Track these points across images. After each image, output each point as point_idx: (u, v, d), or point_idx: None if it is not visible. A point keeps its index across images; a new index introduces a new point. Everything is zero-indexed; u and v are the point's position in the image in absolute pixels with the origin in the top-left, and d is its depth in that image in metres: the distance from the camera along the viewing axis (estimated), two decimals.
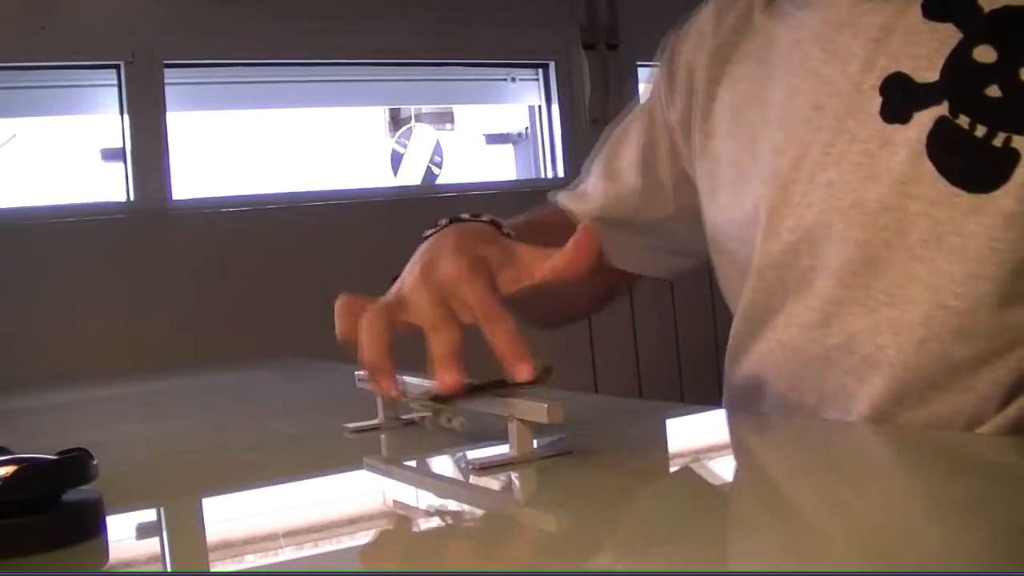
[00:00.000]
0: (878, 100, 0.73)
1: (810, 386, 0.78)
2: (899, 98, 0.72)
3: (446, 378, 0.62)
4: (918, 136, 0.70)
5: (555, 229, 0.94)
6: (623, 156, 0.99)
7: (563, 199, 1.03)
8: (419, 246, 0.75)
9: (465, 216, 0.79)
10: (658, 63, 0.97)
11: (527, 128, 2.65)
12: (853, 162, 0.74)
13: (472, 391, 0.64)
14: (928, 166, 0.70)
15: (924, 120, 0.70)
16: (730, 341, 0.87)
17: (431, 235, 0.77)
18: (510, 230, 0.79)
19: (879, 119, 0.72)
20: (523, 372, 0.62)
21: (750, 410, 0.84)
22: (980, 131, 0.68)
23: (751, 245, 0.81)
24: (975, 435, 0.69)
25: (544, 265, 0.67)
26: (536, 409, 0.60)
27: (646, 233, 0.99)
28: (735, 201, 0.84)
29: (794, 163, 0.77)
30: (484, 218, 0.79)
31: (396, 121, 2.76)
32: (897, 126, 0.71)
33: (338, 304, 0.73)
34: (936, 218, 0.69)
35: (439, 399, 0.64)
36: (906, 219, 0.71)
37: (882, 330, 0.72)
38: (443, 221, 0.78)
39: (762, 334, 0.82)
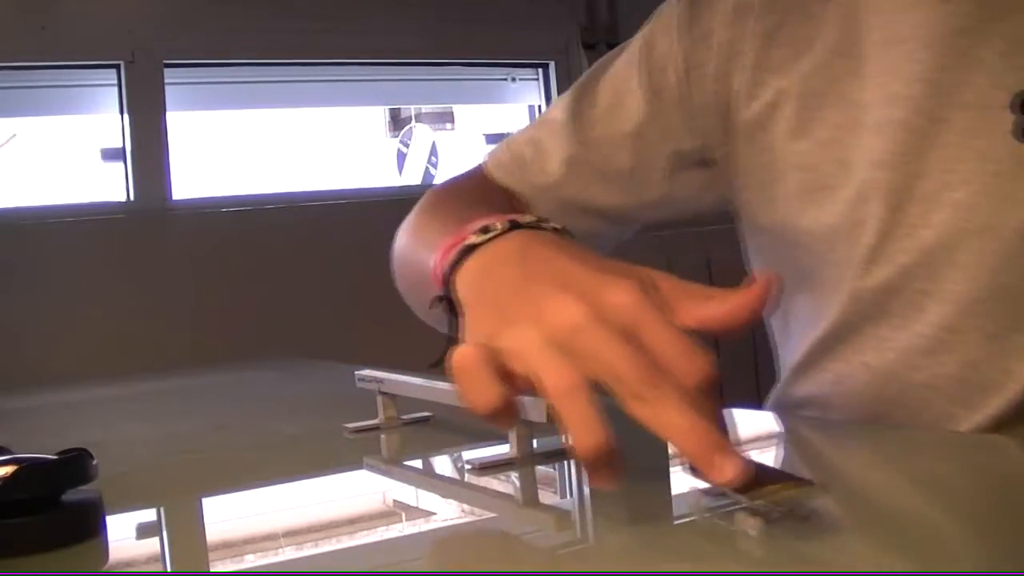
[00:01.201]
0: (1010, 119, 0.67)
1: (903, 413, 0.73)
2: None
3: (734, 463, 0.44)
4: None
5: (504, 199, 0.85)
6: (609, 125, 0.85)
7: (499, 171, 0.89)
8: (480, 256, 0.57)
9: (528, 219, 0.59)
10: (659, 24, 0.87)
11: None
12: (984, 183, 0.68)
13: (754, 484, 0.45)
14: None
15: None
16: (799, 356, 0.80)
17: (487, 242, 0.57)
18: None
19: (1012, 139, 0.67)
20: (724, 471, 0.44)
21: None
22: None
23: (834, 261, 0.74)
24: None
25: (699, 309, 0.49)
26: (536, 409, 0.60)
27: (608, 219, 0.88)
28: (810, 208, 0.76)
29: (908, 179, 0.70)
30: (550, 224, 0.59)
31: (396, 121, 2.76)
32: None
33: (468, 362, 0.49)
34: None
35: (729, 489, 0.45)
36: None
37: (1009, 355, 0.68)
38: (499, 224, 0.58)
39: (842, 354, 0.76)
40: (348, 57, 2.35)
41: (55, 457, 0.51)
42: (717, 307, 0.50)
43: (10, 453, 0.54)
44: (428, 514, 0.60)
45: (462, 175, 0.97)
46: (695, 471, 0.45)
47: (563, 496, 0.63)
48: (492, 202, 0.84)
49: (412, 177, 2.68)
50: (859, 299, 0.73)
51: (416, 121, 2.74)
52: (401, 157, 2.69)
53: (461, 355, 0.48)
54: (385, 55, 2.37)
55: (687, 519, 0.53)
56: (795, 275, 0.78)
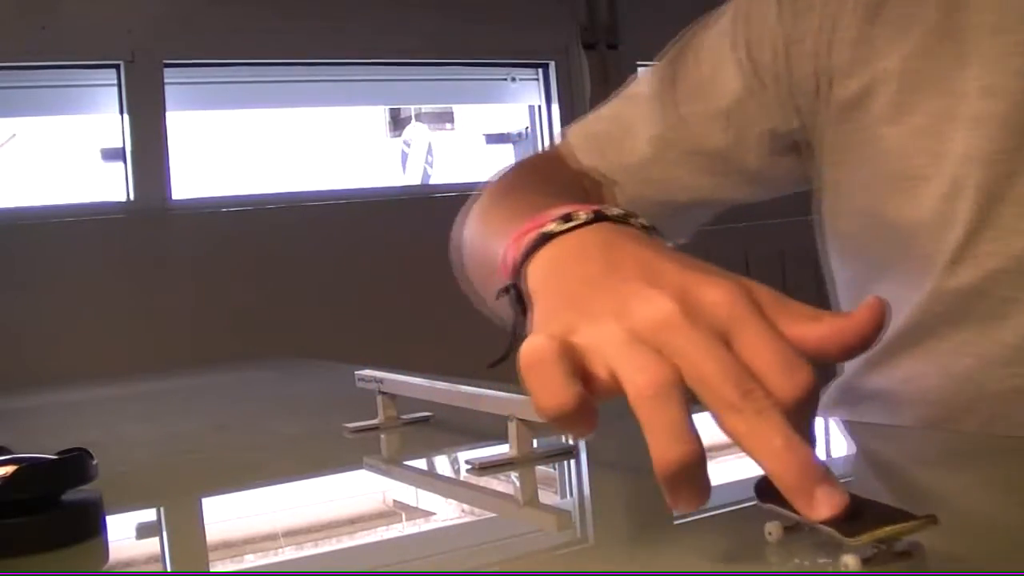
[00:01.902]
0: None
1: (975, 421, 0.70)
2: None
3: (832, 500, 0.38)
4: None
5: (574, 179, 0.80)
6: (702, 101, 0.81)
7: (580, 151, 0.85)
8: (558, 246, 0.51)
9: (616, 211, 0.52)
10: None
11: (527, 128, 2.65)
12: None
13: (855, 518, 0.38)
14: None
15: None
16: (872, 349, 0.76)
17: (568, 231, 0.51)
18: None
19: None
20: (823, 507, 0.38)
21: (879, 422, 0.76)
22: None
23: (919, 256, 0.72)
24: None
25: (798, 326, 0.42)
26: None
27: (694, 201, 0.85)
28: (899, 198, 0.72)
29: (1002, 179, 0.67)
30: (638, 220, 0.53)
31: (396, 121, 2.76)
32: None
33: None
34: None
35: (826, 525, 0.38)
36: None
37: None
38: (583, 213, 0.52)
39: (917, 353, 0.73)
40: (348, 57, 2.35)
41: (55, 457, 0.51)
42: (819, 327, 0.42)
43: (10, 453, 0.54)
44: (428, 514, 0.60)
45: (537, 155, 0.91)
46: (764, 496, 0.40)
47: (563, 496, 0.63)
48: (568, 185, 0.81)
49: (412, 177, 2.68)
50: (940, 299, 0.70)
51: (416, 121, 2.74)
52: (404, 156, 2.69)
53: (532, 348, 0.41)
54: (385, 55, 2.37)
55: (758, 559, 0.42)
56: (876, 265, 0.76)
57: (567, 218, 0.51)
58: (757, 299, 0.43)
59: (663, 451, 0.39)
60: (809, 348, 0.42)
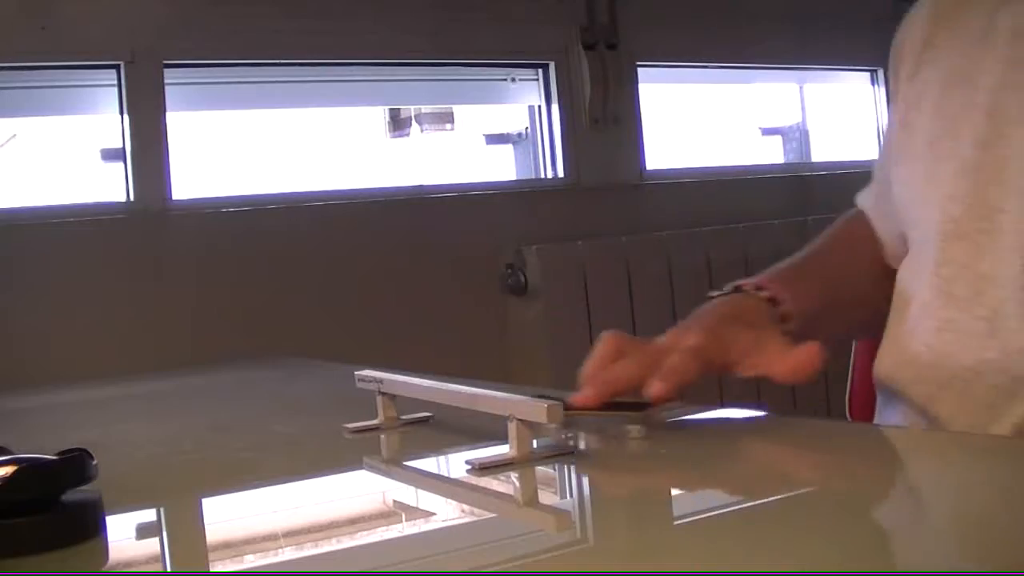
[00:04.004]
0: None
1: (950, 396, 0.75)
2: None
3: (585, 390, 0.70)
4: None
5: (850, 244, 0.96)
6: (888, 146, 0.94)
7: (861, 197, 0.99)
8: (701, 306, 0.81)
9: (749, 286, 0.82)
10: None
11: (527, 128, 2.65)
12: None
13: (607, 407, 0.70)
14: None
15: None
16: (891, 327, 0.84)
17: (715, 297, 0.82)
18: (787, 301, 0.81)
19: None
20: (656, 388, 0.69)
21: (882, 413, 0.84)
22: None
23: (932, 233, 0.78)
24: None
25: (777, 367, 0.72)
26: (536, 409, 0.60)
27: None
28: (930, 179, 0.80)
29: (997, 162, 0.74)
30: (765, 293, 0.81)
31: (396, 121, 2.76)
32: None
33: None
34: None
35: (569, 408, 0.68)
36: None
37: None
38: (729, 287, 0.83)
39: (914, 332, 0.79)
40: (348, 57, 2.34)
41: (55, 457, 0.51)
42: (781, 368, 0.72)
43: (10, 453, 0.54)
44: (428, 514, 0.60)
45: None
46: (569, 409, 0.67)
47: (563, 496, 0.63)
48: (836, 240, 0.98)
49: (411, 178, 2.68)
50: (938, 274, 0.77)
51: (416, 121, 2.74)
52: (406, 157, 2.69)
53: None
54: (385, 55, 2.37)
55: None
56: (917, 249, 0.83)
57: (723, 290, 0.83)
58: (738, 347, 0.74)
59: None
60: (779, 381, 0.72)
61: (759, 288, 0.82)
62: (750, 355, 0.74)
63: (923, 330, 0.78)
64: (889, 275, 0.88)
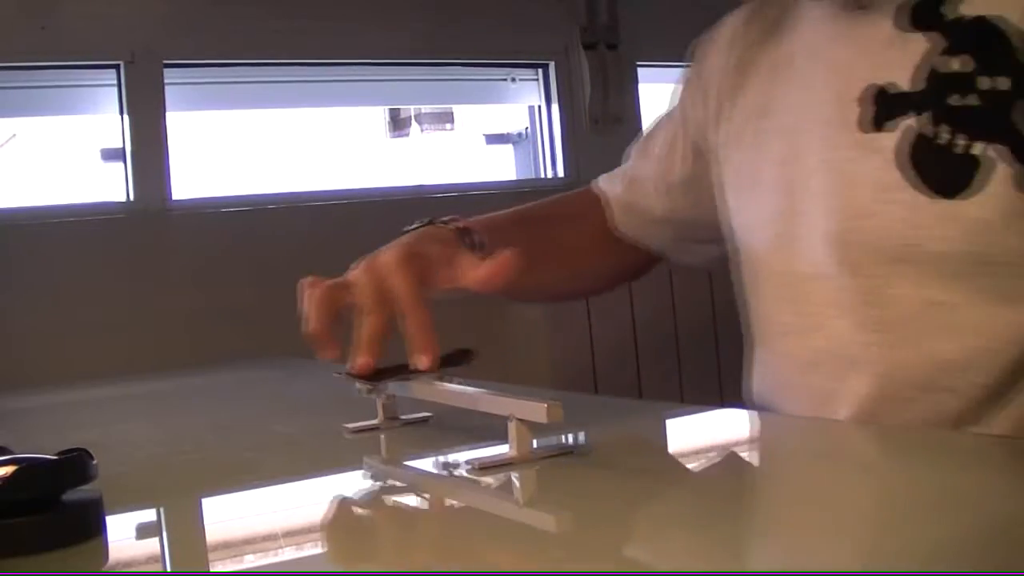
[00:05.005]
0: (857, 111, 0.75)
1: (795, 393, 0.82)
2: (879, 108, 0.74)
3: (357, 359, 0.72)
4: (894, 145, 0.73)
5: (549, 220, 1.05)
6: (655, 141, 1.04)
7: (601, 180, 1.09)
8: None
9: (445, 219, 0.86)
10: (686, 64, 1.03)
11: (527, 128, 2.65)
12: (838, 170, 0.77)
13: (380, 373, 0.73)
14: (906, 174, 0.72)
15: (901, 129, 0.73)
16: (750, 351, 0.91)
17: (407, 231, 0.85)
18: (480, 233, 0.85)
19: (857, 129, 0.75)
20: (422, 362, 0.70)
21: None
22: (954, 140, 0.70)
23: (762, 255, 0.86)
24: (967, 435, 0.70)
25: (471, 275, 0.75)
26: (536, 409, 0.60)
27: (668, 224, 1.03)
28: (751, 206, 0.88)
29: (795, 173, 0.81)
30: (457, 223, 0.86)
31: (396, 121, 2.76)
32: (874, 135, 0.74)
33: (303, 283, 0.82)
34: (914, 223, 0.71)
35: (353, 375, 0.72)
36: (884, 225, 0.73)
37: (866, 329, 0.75)
38: (421, 221, 0.86)
39: (767, 343, 0.87)
40: (348, 57, 2.34)
41: (55, 457, 0.51)
42: (479, 274, 0.74)
43: (10, 453, 0.54)
44: (428, 514, 0.60)
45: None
46: (348, 376, 0.73)
47: (563, 496, 0.63)
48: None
49: (411, 178, 2.67)
50: (771, 282, 0.85)
51: (416, 121, 2.74)
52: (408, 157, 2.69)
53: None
54: (385, 55, 2.37)
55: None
56: (755, 276, 0.89)
57: (416, 223, 0.86)
58: (431, 261, 0.77)
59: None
60: (474, 289, 0.75)
61: (453, 221, 0.86)
62: (444, 268, 0.77)
63: (771, 335, 0.85)
64: (612, 253, 1.02)
